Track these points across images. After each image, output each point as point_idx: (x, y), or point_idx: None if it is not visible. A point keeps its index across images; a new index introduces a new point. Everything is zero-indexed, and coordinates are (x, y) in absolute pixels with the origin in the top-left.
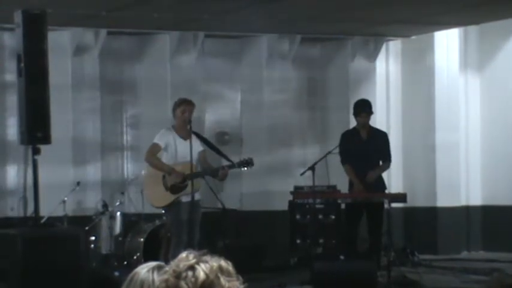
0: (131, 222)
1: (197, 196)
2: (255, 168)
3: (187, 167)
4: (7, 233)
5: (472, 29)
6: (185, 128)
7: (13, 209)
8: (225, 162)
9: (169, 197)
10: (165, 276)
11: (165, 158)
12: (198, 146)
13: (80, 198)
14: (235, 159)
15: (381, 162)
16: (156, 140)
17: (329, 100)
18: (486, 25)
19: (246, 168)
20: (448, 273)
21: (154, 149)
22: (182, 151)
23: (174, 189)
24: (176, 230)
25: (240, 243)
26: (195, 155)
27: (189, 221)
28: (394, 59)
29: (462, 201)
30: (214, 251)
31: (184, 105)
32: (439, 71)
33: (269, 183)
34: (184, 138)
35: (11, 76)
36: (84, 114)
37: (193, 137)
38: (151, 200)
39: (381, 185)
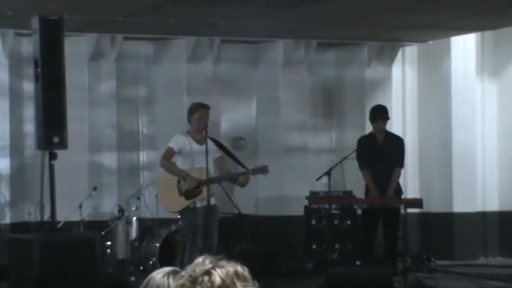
0: (147, 227)
1: (213, 201)
2: (271, 173)
3: (203, 172)
4: (24, 238)
5: (489, 34)
6: (201, 133)
7: (30, 213)
8: (240, 169)
9: (183, 202)
10: (181, 281)
11: (180, 162)
12: (214, 152)
13: (96, 203)
14: (251, 164)
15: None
16: (170, 145)
17: (345, 105)
18: (503, 30)
19: (260, 175)
20: (464, 279)
21: (169, 154)
22: (198, 156)
23: (189, 194)
24: (191, 235)
25: (255, 248)
26: (210, 161)
27: (205, 226)
28: (411, 64)
29: (479, 207)
30: (230, 256)
31: (202, 110)
32: (455, 76)
33: (285, 188)
34: (200, 143)
35: (28, 81)
36: (100, 119)
37: (209, 142)
38: (166, 204)
39: (397, 190)
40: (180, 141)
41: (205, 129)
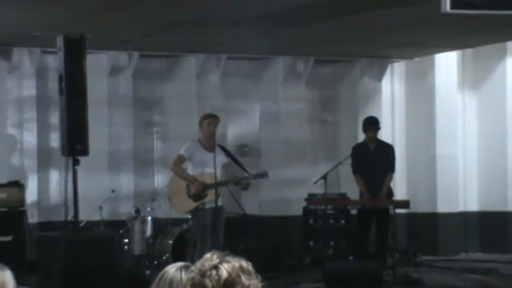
0: (161, 226)
1: (220, 202)
2: (273, 177)
3: (211, 177)
4: (50, 236)
5: (469, 51)
6: (210, 141)
7: (55, 213)
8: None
9: (191, 204)
10: (192, 275)
11: (190, 168)
12: (222, 158)
13: (115, 205)
14: (254, 169)
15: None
16: (181, 152)
17: (339, 116)
18: (481, 48)
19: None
20: (447, 272)
21: (179, 160)
22: (207, 162)
23: (196, 197)
24: (201, 233)
25: (259, 245)
26: (218, 166)
27: (213, 225)
28: (399, 78)
29: (460, 207)
30: (236, 252)
31: (210, 119)
32: (439, 89)
33: (285, 191)
34: (209, 150)
35: (53, 94)
36: (118, 129)
37: (218, 149)
38: (176, 206)
39: (388, 193)
40: (190, 148)
41: (213, 137)
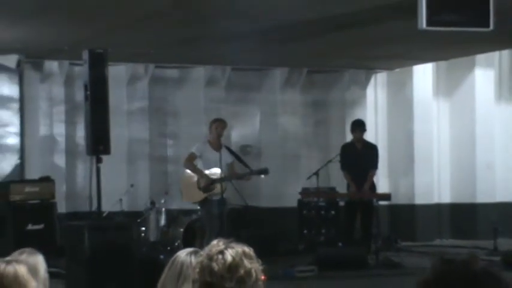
0: (173, 216)
1: (224, 195)
2: (271, 173)
3: (218, 174)
4: (77, 224)
5: (443, 63)
6: (217, 141)
7: (81, 205)
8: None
9: (201, 195)
10: (200, 259)
11: (201, 165)
12: (227, 157)
13: (133, 197)
14: (255, 166)
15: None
16: (193, 150)
17: (329, 120)
18: (453, 60)
19: (262, 176)
20: (424, 256)
21: (191, 157)
22: (214, 160)
23: (205, 189)
24: (209, 222)
25: (259, 233)
26: (224, 164)
27: (219, 215)
28: (381, 87)
29: (435, 200)
30: (239, 239)
31: (218, 123)
32: (416, 97)
33: (282, 185)
34: (216, 150)
35: (80, 101)
36: (136, 131)
37: (224, 149)
38: (187, 197)
39: (372, 187)
40: (200, 147)
41: (220, 139)
